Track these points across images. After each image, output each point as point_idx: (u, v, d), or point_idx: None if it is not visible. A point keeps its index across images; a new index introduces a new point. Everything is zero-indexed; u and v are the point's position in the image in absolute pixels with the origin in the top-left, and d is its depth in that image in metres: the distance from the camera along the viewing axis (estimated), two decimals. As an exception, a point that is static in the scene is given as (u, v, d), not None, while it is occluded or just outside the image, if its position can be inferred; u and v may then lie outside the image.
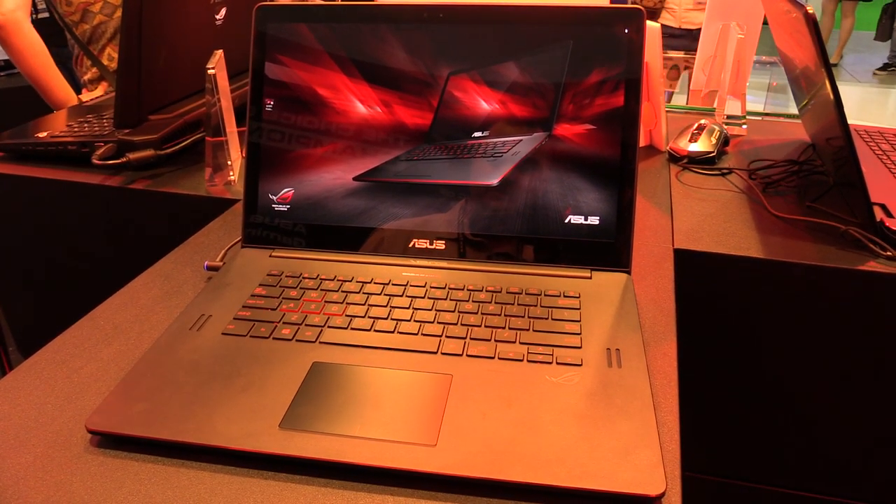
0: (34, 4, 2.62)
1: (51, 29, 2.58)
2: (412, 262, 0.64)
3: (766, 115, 1.23)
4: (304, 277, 0.61)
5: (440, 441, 0.43)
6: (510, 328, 0.54)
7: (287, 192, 0.67)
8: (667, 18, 2.40)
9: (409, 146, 0.66)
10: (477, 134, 0.65)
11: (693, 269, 0.72)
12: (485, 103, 0.65)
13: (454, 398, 0.47)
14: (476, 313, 0.56)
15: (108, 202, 0.90)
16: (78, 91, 1.73)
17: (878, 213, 0.72)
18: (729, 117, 1.07)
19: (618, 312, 0.56)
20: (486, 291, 0.58)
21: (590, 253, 0.62)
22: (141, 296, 0.64)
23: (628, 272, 0.62)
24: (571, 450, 0.42)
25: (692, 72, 1.40)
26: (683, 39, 2.24)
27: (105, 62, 1.60)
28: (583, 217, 0.63)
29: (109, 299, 0.63)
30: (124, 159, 0.88)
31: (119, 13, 1.57)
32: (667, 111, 1.01)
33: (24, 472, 0.43)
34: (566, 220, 0.63)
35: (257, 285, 0.61)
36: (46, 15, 2.75)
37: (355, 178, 0.66)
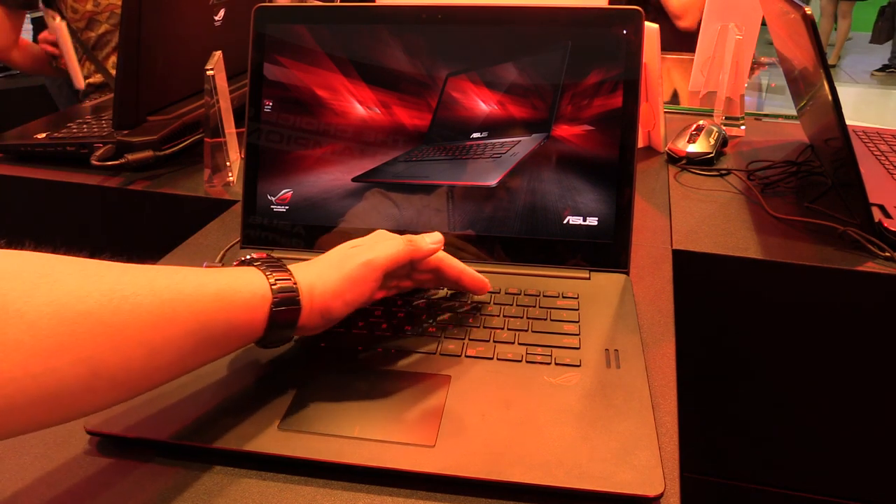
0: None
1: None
2: (411, 262, 0.64)
3: (765, 115, 1.23)
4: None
5: (439, 442, 0.43)
6: (509, 329, 0.54)
7: (286, 193, 0.67)
8: None
9: (407, 147, 0.66)
10: (476, 135, 0.65)
11: (691, 269, 0.72)
12: (483, 104, 0.65)
13: (453, 399, 0.47)
14: (475, 314, 0.56)
15: (106, 203, 0.89)
16: (75, 93, 1.73)
17: (877, 214, 0.72)
18: (727, 118, 1.07)
19: (616, 313, 0.56)
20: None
21: (588, 254, 0.62)
22: (140, 297, 0.64)
23: (627, 273, 0.62)
24: (570, 450, 0.42)
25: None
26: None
27: (109, 70, 1.60)
28: (581, 218, 0.63)
29: (108, 300, 0.63)
30: (123, 160, 0.88)
31: None
32: (665, 112, 1.01)
33: (24, 473, 0.43)
34: (565, 221, 0.63)
35: (256, 286, 0.61)
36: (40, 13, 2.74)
37: (354, 179, 0.66)
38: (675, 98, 1.40)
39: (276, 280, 0.45)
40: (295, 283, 0.45)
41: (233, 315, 0.42)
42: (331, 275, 0.48)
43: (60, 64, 1.62)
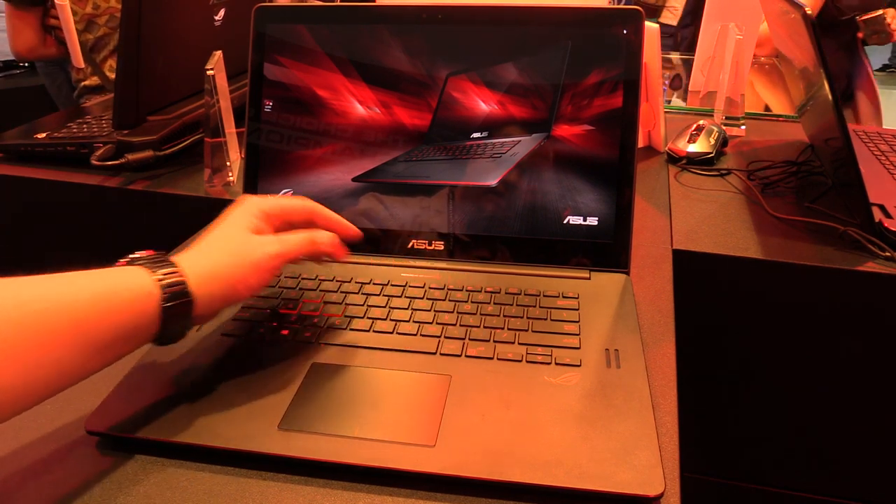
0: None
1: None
2: (411, 262, 0.64)
3: (765, 115, 1.23)
4: (302, 278, 0.61)
5: (439, 442, 0.43)
6: (509, 329, 0.54)
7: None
8: (668, 17, 2.39)
9: (408, 147, 0.66)
10: (476, 135, 0.65)
11: (692, 269, 0.72)
12: (483, 104, 0.65)
13: (453, 399, 0.47)
14: (475, 314, 0.56)
15: (106, 203, 0.89)
16: (71, 93, 1.73)
17: (877, 214, 0.72)
18: (727, 118, 1.07)
19: (616, 313, 0.56)
20: (485, 292, 0.58)
21: (588, 254, 0.62)
22: (140, 297, 0.64)
23: (627, 273, 0.62)
24: (570, 450, 0.42)
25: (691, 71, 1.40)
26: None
27: (106, 72, 1.61)
28: (581, 218, 0.63)
29: (108, 300, 0.63)
30: (123, 160, 0.88)
31: None
32: (665, 112, 1.01)
33: (24, 473, 0.43)
34: (565, 221, 0.63)
35: (256, 286, 0.61)
36: None
37: (354, 179, 0.66)
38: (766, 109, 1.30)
39: (163, 276, 0.44)
40: (182, 277, 0.44)
41: (117, 318, 0.41)
42: (230, 261, 0.47)
43: (60, 34, 1.62)
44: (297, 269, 0.63)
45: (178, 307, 0.44)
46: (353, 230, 0.57)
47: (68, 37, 1.38)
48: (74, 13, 1.55)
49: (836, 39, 1.74)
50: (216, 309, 0.47)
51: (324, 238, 0.53)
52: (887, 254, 0.69)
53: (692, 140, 0.95)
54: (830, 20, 1.64)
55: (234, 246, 0.49)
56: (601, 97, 0.63)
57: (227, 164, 0.86)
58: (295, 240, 0.51)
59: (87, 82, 1.67)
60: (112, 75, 1.61)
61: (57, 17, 1.60)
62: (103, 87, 1.62)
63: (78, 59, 1.39)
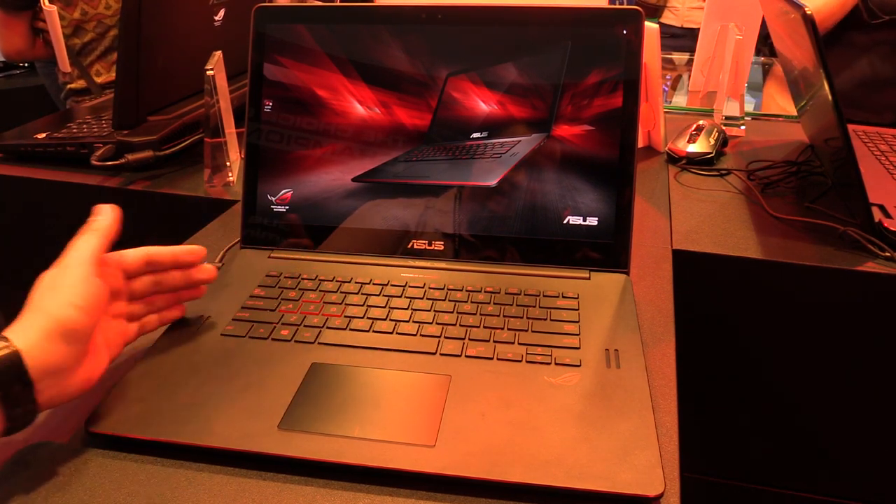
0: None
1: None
2: (411, 262, 0.64)
3: (765, 115, 1.23)
4: (302, 278, 0.61)
5: (439, 442, 0.43)
6: (509, 329, 0.54)
7: (286, 192, 0.67)
8: (669, 17, 2.39)
9: (407, 147, 0.66)
10: (476, 135, 0.65)
11: (692, 269, 0.72)
12: (483, 104, 0.65)
13: (453, 399, 0.47)
14: (475, 314, 0.56)
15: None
16: (57, 96, 1.75)
17: (877, 214, 0.72)
18: (727, 118, 1.07)
19: (616, 313, 0.56)
20: (485, 292, 0.58)
21: (588, 254, 0.62)
22: (140, 297, 0.64)
23: (627, 273, 0.62)
24: (570, 450, 0.42)
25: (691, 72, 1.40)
26: (685, 39, 2.23)
27: (93, 76, 1.62)
28: (581, 218, 0.63)
29: (108, 300, 0.63)
30: (123, 160, 0.88)
31: (111, 33, 1.60)
32: (665, 112, 1.01)
33: (24, 472, 0.43)
34: (565, 221, 0.63)
35: (256, 286, 0.61)
36: None
37: (354, 179, 0.66)
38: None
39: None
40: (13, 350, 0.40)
41: None
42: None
43: (49, 37, 1.63)
44: (296, 269, 0.63)
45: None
46: (195, 254, 0.53)
47: (55, 42, 1.39)
48: (62, 18, 1.56)
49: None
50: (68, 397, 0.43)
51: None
52: (887, 254, 0.69)
53: (692, 140, 0.95)
54: (862, 22, 1.52)
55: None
56: (601, 97, 0.63)
57: (227, 164, 0.86)
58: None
59: (73, 85, 1.68)
60: (99, 79, 1.63)
61: (45, 21, 1.61)
62: (90, 91, 1.64)
63: (64, 64, 1.40)
